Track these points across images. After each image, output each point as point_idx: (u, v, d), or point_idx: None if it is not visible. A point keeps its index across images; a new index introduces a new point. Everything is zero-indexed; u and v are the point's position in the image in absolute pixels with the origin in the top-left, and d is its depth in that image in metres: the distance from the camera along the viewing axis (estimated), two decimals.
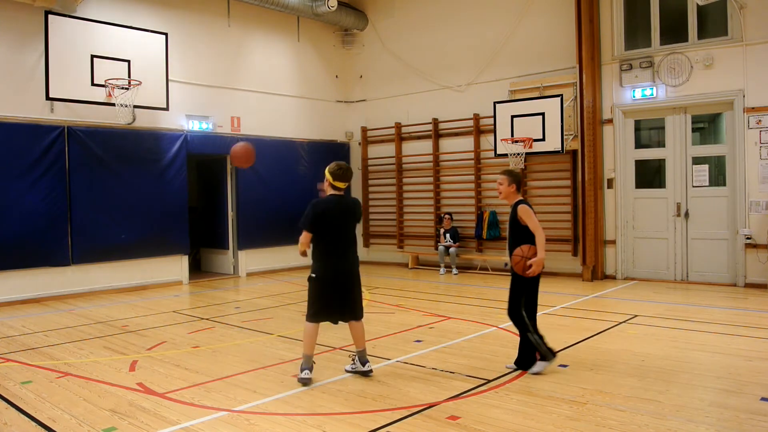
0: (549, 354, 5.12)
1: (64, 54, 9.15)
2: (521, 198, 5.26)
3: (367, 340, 6.41)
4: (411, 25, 13.23)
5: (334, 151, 13.95)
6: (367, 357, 5.18)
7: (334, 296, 5.02)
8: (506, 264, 5.33)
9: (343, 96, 14.30)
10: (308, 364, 4.97)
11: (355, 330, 5.13)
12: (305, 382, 4.88)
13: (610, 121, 10.59)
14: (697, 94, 9.72)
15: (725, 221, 9.59)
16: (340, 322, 5.17)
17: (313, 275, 5.01)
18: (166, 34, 10.34)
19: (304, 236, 5.03)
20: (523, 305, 5.13)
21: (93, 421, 4.22)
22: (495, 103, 11.24)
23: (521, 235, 5.09)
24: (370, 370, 5.11)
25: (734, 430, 3.88)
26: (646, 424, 3.98)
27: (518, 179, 5.26)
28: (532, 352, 5.16)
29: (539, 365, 5.12)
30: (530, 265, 4.95)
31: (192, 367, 5.53)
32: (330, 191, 5.18)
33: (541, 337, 5.13)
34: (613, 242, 10.61)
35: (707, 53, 9.60)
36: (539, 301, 5.29)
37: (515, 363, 5.28)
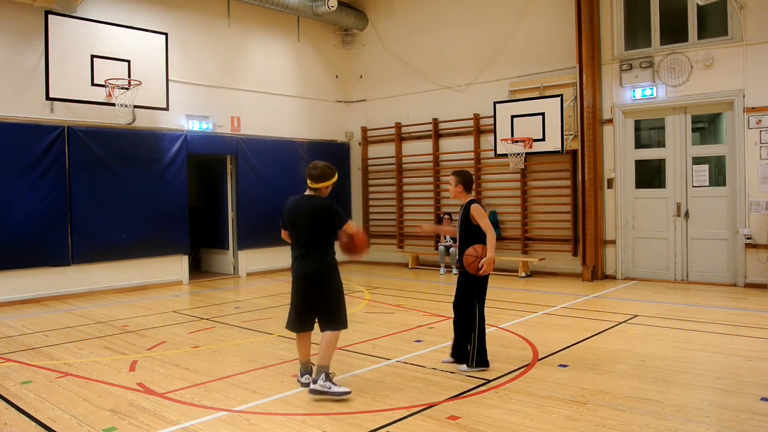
0: (482, 363, 5.18)
1: (64, 54, 9.15)
2: (473, 197, 5.35)
3: (367, 340, 6.45)
4: (411, 25, 13.23)
5: (334, 151, 13.95)
6: (313, 371, 4.71)
7: (299, 302, 4.93)
8: (457, 264, 5.38)
9: (343, 96, 14.30)
10: (305, 369, 4.90)
11: (322, 338, 4.69)
12: (305, 386, 4.77)
13: (610, 121, 10.59)
14: (697, 94, 9.72)
15: (725, 221, 9.59)
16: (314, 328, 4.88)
17: None
18: (166, 34, 10.34)
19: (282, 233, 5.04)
20: (476, 305, 5.20)
21: (93, 421, 4.22)
22: (495, 103, 11.24)
23: (473, 234, 5.17)
24: (307, 384, 4.69)
25: (734, 430, 3.88)
26: (646, 424, 3.98)
27: (467, 179, 5.35)
28: (466, 347, 5.29)
29: (466, 368, 5.21)
30: (482, 266, 5.03)
31: (192, 367, 5.53)
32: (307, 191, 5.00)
33: (483, 344, 5.21)
34: (613, 242, 10.61)
35: (707, 53, 9.60)
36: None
37: (452, 356, 5.44)
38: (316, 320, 4.88)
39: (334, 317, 4.73)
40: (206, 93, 11.61)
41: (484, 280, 5.23)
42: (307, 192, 4.93)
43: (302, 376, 4.89)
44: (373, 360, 5.66)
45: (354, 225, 4.82)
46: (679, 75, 9.85)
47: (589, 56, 10.29)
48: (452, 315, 5.44)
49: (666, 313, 7.62)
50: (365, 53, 14.06)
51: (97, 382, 5.13)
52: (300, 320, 4.88)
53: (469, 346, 5.23)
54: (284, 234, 5.09)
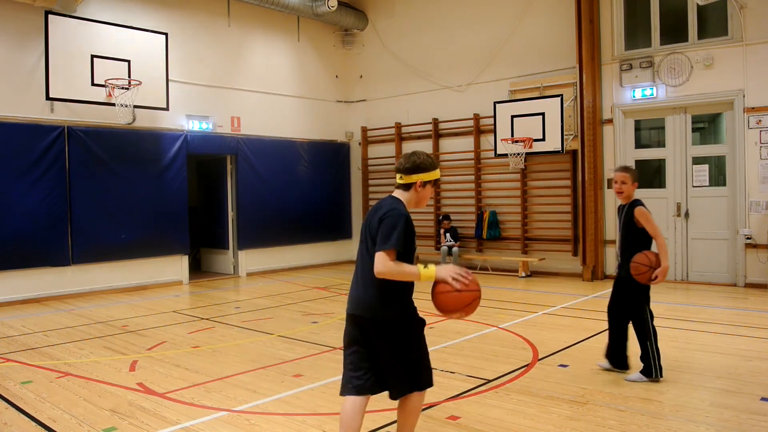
0: (657, 372, 4.82)
1: (64, 54, 9.14)
2: (637, 198, 4.97)
3: None
4: (411, 25, 13.23)
5: (334, 151, 13.95)
6: None
7: (347, 351, 3.28)
8: (618, 269, 5.05)
9: (343, 96, 14.30)
10: None
11: (400, 410, 3.31)
12: None
13: (610, 121, 10.59)
14: (697, 94, 9.72)
15: (725, 221, 9.59)
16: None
17: None
18: (166, 34, 10.34)
19: None
20: (647, 312, 4.85)
21: (93, 421, 4.22)
22: (495, 103, 11.25)
23: (637, 238, 4.82)
24: None
25: (734, 430, 3.88)
26: (646, 424, 3.97)
27: (638, 177, 5.04)
28: (624, 354, 5.01)
29: (637, 376, 4.89)
30: (656, 276, 4.65)
31: (192, 367, 5.53)
32: None
33: (656, 351, 4.84)
34: (613, 242, 10.61)
35: (707, 53, 9.59)
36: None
37: (607, 357, 5.11)
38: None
39: (402, 377, 3.21)
40: (206, 93, 11.61)
41: (648, 288, 4.88)
42: (394, 192, 3.37)
43: None
44: None
45: (388, 261, 3.06)
46: (679, 75, 9.84)
47: (589, 56, 10.29)
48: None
49: (666, 313, 7.62)
50: (365, 53, 14.06)
51: (97, 382, 5.13)
52: (349, 378, 3.25)
53: (648, 352, 4.85)
54: None
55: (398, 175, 3.32)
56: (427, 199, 3.36)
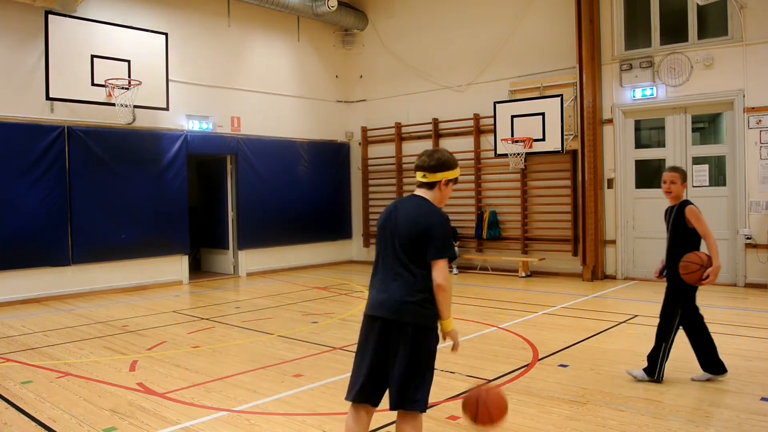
0: (659, 374, 4.78)
1: (64, 54, 9.14)
2: (685, 198, 4.88)
3: None
4: (411, 25, 13.23)
5: (334, 151, 13.96)
6: None
7: (364, 354, 3.16)
8: (665, 272, 4.92)
9: (343, 96, 14.30)
10: None
11: (398, 427, 3.13)
12: None
13: (610, 121, 10.59)
14: (697, 94, 9.72)
15: (725, 221, 9.59)
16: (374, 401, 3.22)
17: None
18: (166, 34, 10.34)
19: None
20: (677, 315, 4.77)
21: (93, 421, 4.22)
22: (495, 103, 11.25)
23: (687, 239, 4.72)
24: None
25: (734, 430, 3.88)
26: (646, 424, 3.97)
27: (686, 176, 4.94)
28: (715, 357, 4.84)
29: (640, 373, 4.87)
30: (707, 276, 4.52)
31: (192, 367, 5.53)
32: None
33: (666, 354, 4.77)
34: (613, 242, 10.61)
35: (707, 53, 9.59)
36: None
37: (702, 367, 4.87)
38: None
39: (405, 390, 3.03)
40: (206, 93, 11.61)
41: (695, 290, 4.79)
42: (416, 190, 3.24)
43: None
44: None
45: (446, 271, 3.06)
46: (679, 75, 9.84)
47: (589, 56, 10.29)
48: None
49: None
50: (365, 53, 14.06)
51: (97, 382, 5.13)
52: (358, 383, 3.16)
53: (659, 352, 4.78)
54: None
55: (420, 173, 3.18)
56: (447, 198, 3.25)
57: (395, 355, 3.03)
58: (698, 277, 4.56)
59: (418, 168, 3.20)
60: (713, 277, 4.53)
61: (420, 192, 3.20)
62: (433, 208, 3.14)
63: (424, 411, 3.07)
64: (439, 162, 3.16)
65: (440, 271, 3.01)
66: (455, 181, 3.25)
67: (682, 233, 4.77)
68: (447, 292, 3.04)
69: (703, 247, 4.73)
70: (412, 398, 3.00)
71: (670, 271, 4.83)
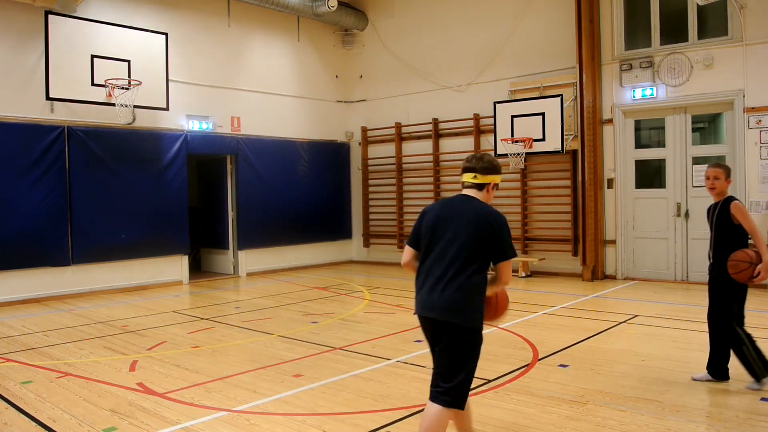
0: (763, 372, 4.57)
1: (64, 54, 9.15)
2: (730, 194, 4.77)
3: (367, 340, 6.45)
4: (411, 25, 13.23)
5: (334, 151, 13.96)
6: None
7: (432, 352, 3.26)
8: (710, 270, 4.80)
9: (343, 96, 14.30)
10: None
11: (425, 416, 3.16)
12: None
13: (610, 121, 10.59)
14: (697, 94, 9.72)
15: None
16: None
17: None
18: (166, 34, 10.34)
19: (404, 254, 3.45)
20: (731, 314, 4.65)
21: (93, 421, 4.22)
22: (495, 103, 11.25)
23: (733, 236, 4.59)
24: None
25: (734, 430, 3.88)
26: (646, 424, 3.97)
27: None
28: (726, 363, 4.73)
29: (753, 384, 4.63)
30: (758, 273, 4.39)
31: (192, 367, 5.53)
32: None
33: (759, 353, 4.59)
34: (613, 242, 10.61)
35: (707, 53, 9.59)
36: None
37: (708, 369, 4.80)
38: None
39: (452, 386, 3.11)
40: (206, 93, 11.61)
41: (746, 288, 4.69)
42: (466, 191, 3.35)
43: None
44: (373, 360, 5.66)
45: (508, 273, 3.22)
46: (679, 75, 9.84)
47: (589, 56, 10.29)
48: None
49: (666, 313, 7.62)
50: (365, 53, 14.06)
51: (97, 382, 5.13)
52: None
53: (748, 359, 4.58)
54: (409, 254, 3.39)
55: (471, 175, 3.31)
56: (491, 201, 3.39)
57: (443, 353, 3.14)
58: (749, 275, 4.44)
59: (468, 170, 3.33)
60: (765, 273, 4.38)
61: (470, 193, 3.32)
62: (494, 210, 3.24)
63: (462, 408, 3.17)
64: (490, 165, 3.32)
65: (507, 271, 3.17)
66: (497, 187, 3.39)
67: (728, 230, 4.64)
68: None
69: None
70: (455, 396, 3.11)
71: (716, 270, 4.70)
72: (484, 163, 3.30)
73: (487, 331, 6.78)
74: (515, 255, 3.21)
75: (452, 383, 3.08)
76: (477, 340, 3.15)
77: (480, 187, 3.30)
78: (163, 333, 7.07)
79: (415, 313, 3.27)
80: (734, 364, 5.27)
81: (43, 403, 4.62)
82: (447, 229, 3.18)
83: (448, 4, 12.62)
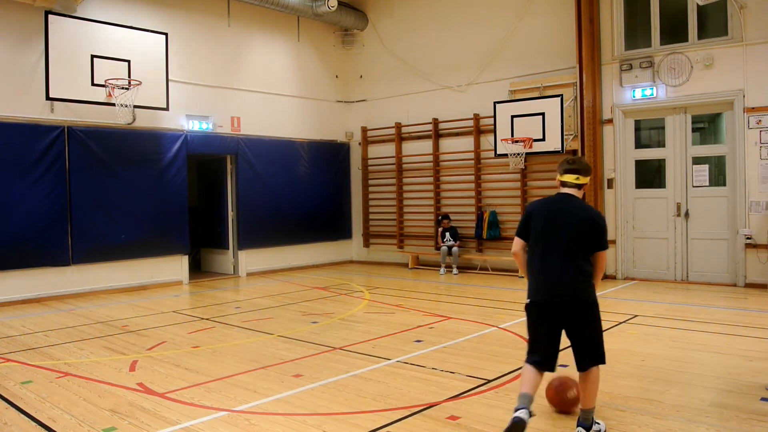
0: None
1: (64, 54, 9.14)
2: None
3: (367, 340, 6.45)
4: (411, 25, 13.23)
5: (334, 151, 13.96)
6: (594, 420, 3.83)
7: (539, 333, 3.82)
8: None
9: (343, 96, 14.30)
10: (522, 402, 3.63)
11: (584, 380, 3.79)
12: (516, 421, 3.53)
13: (610, 121, 10.59)
14: (697, 94, 9.72)
15: (725, 221, 9.59)
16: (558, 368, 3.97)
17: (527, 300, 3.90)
18: (166, 34, 10.33)
19: (514, 244, 4.00)
20: None
21: (93, 421, 4.22)
22: (495, 103, 11.25)
23: None
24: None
25: (734, 430, 3.88)
26: (646, 424, 3.97)
27: None
28: None
29: None
30: None
31: (192, 367, 5.53)
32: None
33: None
34: (613, 242, 10.61)
35: (707, 53, 9.60)
36: None
37: None
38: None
39: (593, 350, 3.79)
40: (206, 93, 11.61)
41: None
42: (566, 190, 3.90)
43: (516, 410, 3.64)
44: (373, 360, 5.66)
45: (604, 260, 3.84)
46: (679, 75, 9.85)
47: (589, 56, 10.29)
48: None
49: (666, 313, 7.62)
50: (365, 53, 14.06)
51: (97, 382, 5.13)
52: (540, 354, 3.82)
53: None
54: (519, 245, 3.95)
55: (574, 176, 3.86)
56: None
57: (578, 329, 3.74)
58: None
59: (572, 171, 3.88)
60: None
61: (571, 191, 3.86)
62: (593, 208, 3.86)
63: (605, 363, 3.80)
64: (588, 167, 3.92)
65: (604, 259, 3.79)
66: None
67: None
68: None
69: None
70: (600, 355, 3.76)
71: None
72: (585, 166, 3.89)
73: (487, 330, 6.81)
74: (607, 247, 3.79)
75: (596, 346, 3.75)
76: (598, 309, 3.78)
77: (580, 187, 3.85)
78: (163, 333, 7.07)
79: (534, 300, 3.79)
80: (734, 364, 5.28)
81: (43, 403, 4.62)
82: (559, 225, 3.74)
83: (448, 4, 12.63)
